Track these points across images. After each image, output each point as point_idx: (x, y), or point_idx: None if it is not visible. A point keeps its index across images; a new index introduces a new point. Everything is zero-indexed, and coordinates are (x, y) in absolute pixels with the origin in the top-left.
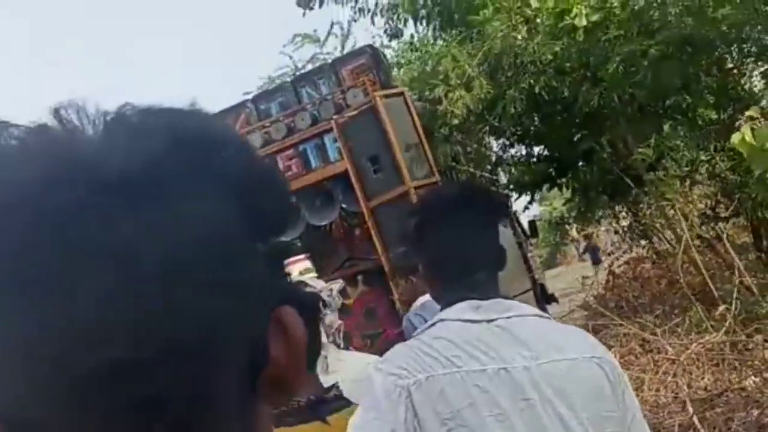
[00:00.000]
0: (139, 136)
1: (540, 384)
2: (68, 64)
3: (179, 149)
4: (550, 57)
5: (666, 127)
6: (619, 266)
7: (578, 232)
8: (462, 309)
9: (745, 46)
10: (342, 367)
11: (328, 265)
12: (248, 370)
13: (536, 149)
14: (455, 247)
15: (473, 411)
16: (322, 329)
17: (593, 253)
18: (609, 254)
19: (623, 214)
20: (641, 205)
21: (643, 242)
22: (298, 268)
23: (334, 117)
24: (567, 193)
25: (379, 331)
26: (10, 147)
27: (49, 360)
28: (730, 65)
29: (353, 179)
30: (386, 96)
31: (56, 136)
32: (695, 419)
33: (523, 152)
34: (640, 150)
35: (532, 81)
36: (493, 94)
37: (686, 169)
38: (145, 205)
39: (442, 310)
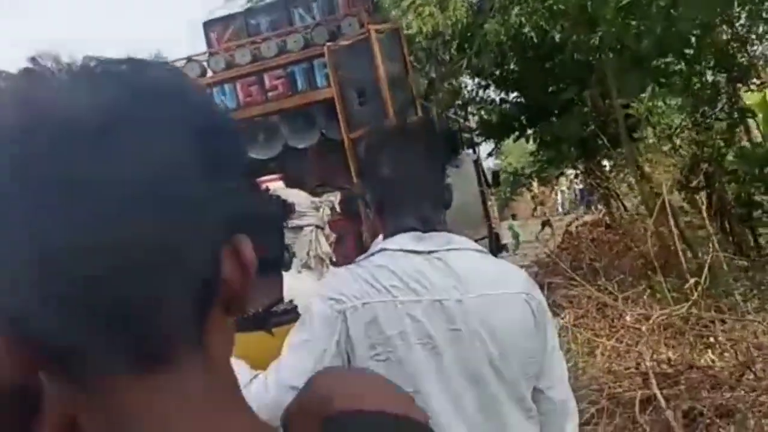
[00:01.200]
0: (100, 84)
1: (469, 315)
2: None
3: (136, 96)
4: None
5: (655, 88)
6: (576, 227)
7: (538, 188)
8: (404, 240)
9: (762, 7)
10: None
11: (299, 188)
12: (203, 288)
13: (512, 95)
14: (399, 176)
15: (402, 338)
16: (323, 239)
17: (584, 198)
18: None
19: (582, 176)
20: (605, 167)
21: (600, 207)
22: (271, 187)
23: (327, 44)
24: (532, 146)
25: (348, 261)
26: None
27: (38, 275)
28: (739, 25)
29: (338, 108)
30: (381, 31)
31: (32, 83)
32: (659, 394)
33: (498, 97)
34: (632, 104)
35: (523, 19)
36: (472, 24)
37: (667, 133)
38: (106, 144)
39: (385, 239)
